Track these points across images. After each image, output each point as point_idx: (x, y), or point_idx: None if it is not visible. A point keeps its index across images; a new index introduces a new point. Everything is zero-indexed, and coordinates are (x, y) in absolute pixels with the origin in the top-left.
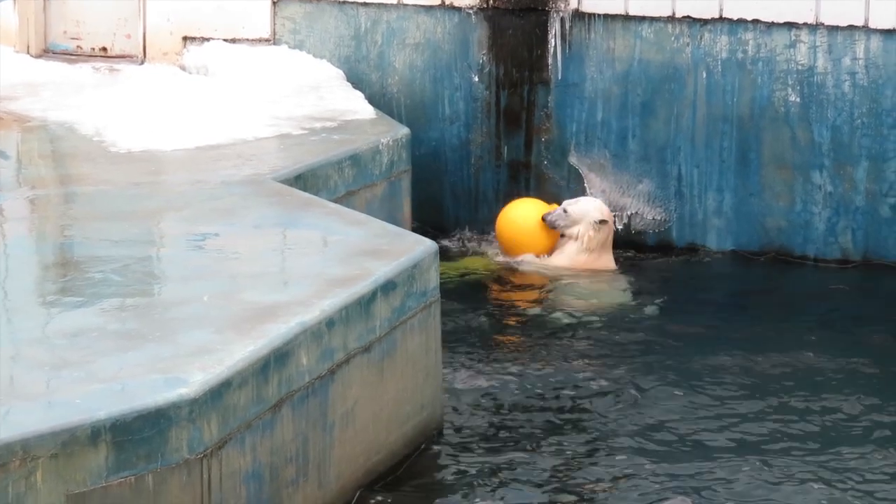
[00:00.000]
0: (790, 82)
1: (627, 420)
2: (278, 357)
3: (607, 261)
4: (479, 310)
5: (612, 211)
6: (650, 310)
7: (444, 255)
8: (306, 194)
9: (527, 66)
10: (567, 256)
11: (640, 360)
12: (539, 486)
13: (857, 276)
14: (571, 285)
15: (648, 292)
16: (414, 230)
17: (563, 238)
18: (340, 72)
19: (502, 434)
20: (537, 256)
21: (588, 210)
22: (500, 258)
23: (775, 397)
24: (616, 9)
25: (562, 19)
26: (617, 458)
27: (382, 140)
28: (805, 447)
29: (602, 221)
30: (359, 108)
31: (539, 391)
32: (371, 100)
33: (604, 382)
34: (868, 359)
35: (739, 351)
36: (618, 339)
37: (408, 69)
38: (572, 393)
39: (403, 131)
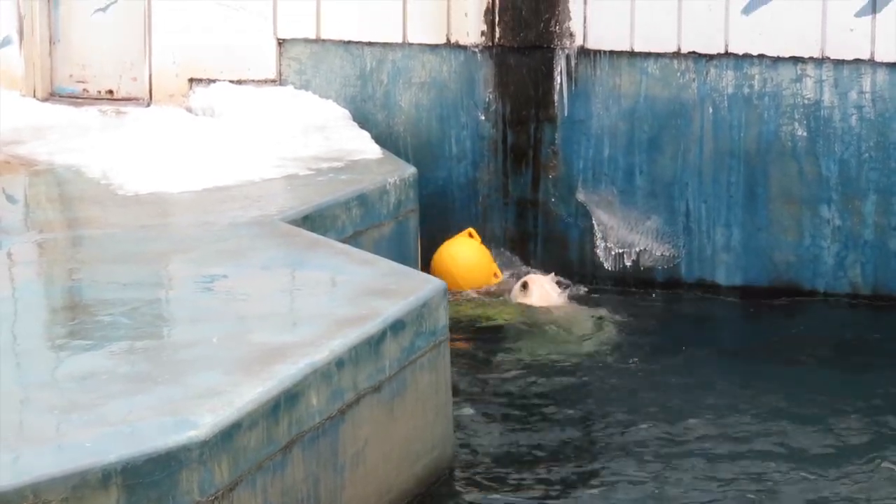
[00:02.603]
0: (797, 116)
1: (637, 458)
2: (288, 398)
3: None
4: (488, 347)
5: (620, 248)
6: (658, 347)
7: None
8: (314, 235)
9: (533, 103)
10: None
11: (647, 395)
12: None
13: (866, 310)
14: (573, 321)
15: (657, 330)
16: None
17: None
18: (346, 112)
19: (513, 472)
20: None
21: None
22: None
23: (784, 434)
24: (621, 45)
25: (567, 56)
26: (628, 494)
27: (389, 180)
28: (812, 488)
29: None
30: (365, 147)
31: (549, 429)
32: (377, 139)
33: (615, 419)
34: (878, 395)
35: (749, 387)
36: (626, 374)
37: (414, 108)
38: (583, 430)
39: (410, 171)
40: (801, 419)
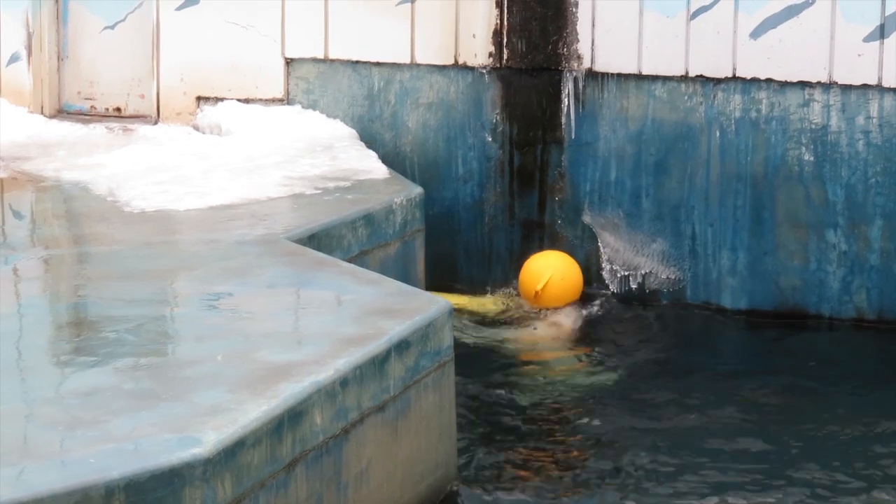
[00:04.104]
0: (804, 141)
1: (642, 479)
2: (292, 416)
3: None
4: (493, 368)
5: (626, 270)
6: (662, 370)
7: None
8: (320, 254)
9: (540, 125)
10: None
11: (652, 418)
12: None
13: (871, 335)
14: (580, 342)
15: (662, 352)
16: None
17: None
18: (354, 131)
19: (517, 493)
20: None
21: None
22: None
23: (784, 456)
24: (629, 68)
25: (575, 78)
26: None
27: (396, 199)
28: None
29: None
30: (372, 167)
31: (554, 451)
32: (384, 159)
33: (619, 441)
34: (882, 419)
35: (752, 411)
36: (631, 397)
37: (421, 128)
38: (588, 452)
39: (417, 191)
40: (808, 441)
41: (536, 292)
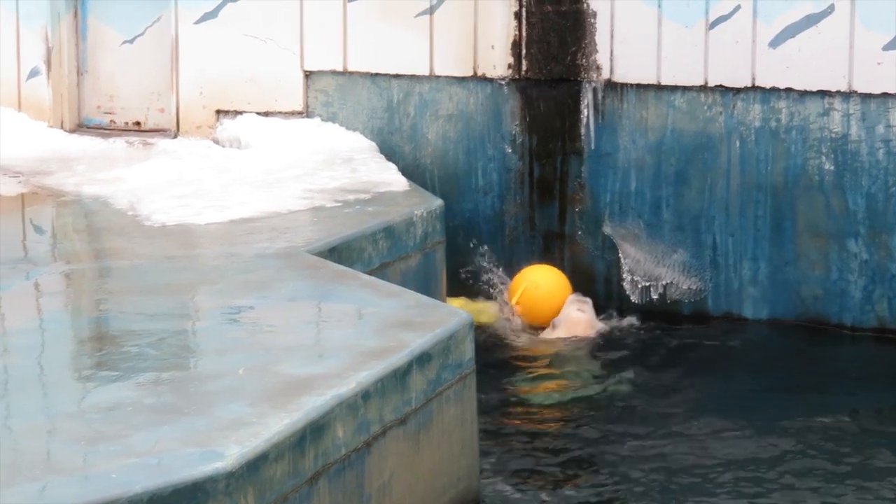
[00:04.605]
0: (824, 150)
1: (663, 487)
2: (314, 430)
3: None
4: (515, 378)
5: (647, 281)
6: (684, 382)
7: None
8: (340, 266)
9: (559, 136)
10: None
11: (676, 426)
12: None
13: (894, 344)
14: (600, 355)
15: (683, 364)
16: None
17: None
18: (373, 143)
19: None
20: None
21: None
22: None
23: (802, 468)
24: (648, 78)
25: (594, 89)
26: None
27: (416, 212)
28: None
29: None
30: (392, 179)
31: (576, 463)
32: (404, 171)
33: (641, 451)
34: None
35: (772, 424)
36: (651, 405)
37: (441, 140)
38: (609, 465)
39: (437, 203)
40: (823, 450)
41: (515, 305)
